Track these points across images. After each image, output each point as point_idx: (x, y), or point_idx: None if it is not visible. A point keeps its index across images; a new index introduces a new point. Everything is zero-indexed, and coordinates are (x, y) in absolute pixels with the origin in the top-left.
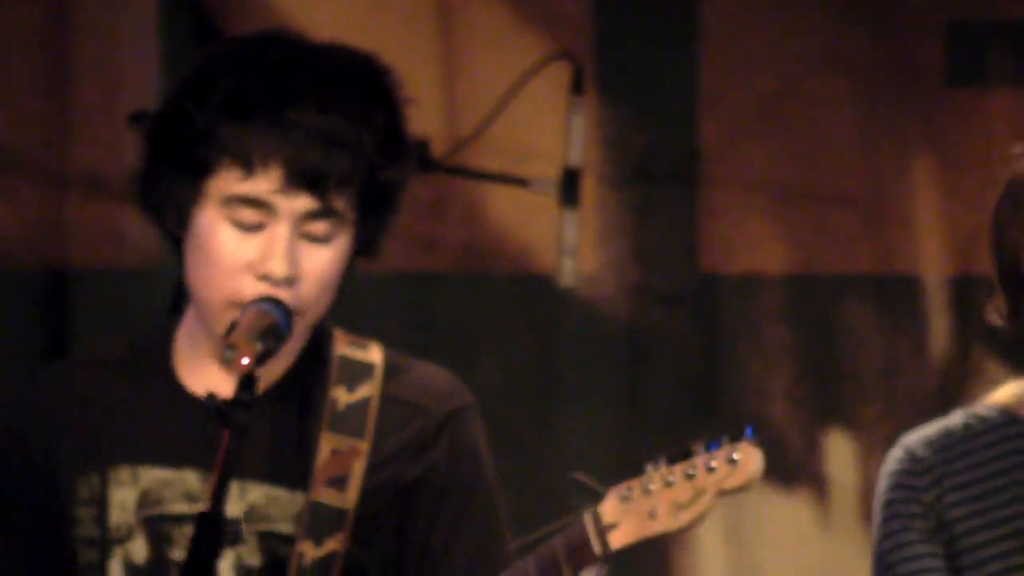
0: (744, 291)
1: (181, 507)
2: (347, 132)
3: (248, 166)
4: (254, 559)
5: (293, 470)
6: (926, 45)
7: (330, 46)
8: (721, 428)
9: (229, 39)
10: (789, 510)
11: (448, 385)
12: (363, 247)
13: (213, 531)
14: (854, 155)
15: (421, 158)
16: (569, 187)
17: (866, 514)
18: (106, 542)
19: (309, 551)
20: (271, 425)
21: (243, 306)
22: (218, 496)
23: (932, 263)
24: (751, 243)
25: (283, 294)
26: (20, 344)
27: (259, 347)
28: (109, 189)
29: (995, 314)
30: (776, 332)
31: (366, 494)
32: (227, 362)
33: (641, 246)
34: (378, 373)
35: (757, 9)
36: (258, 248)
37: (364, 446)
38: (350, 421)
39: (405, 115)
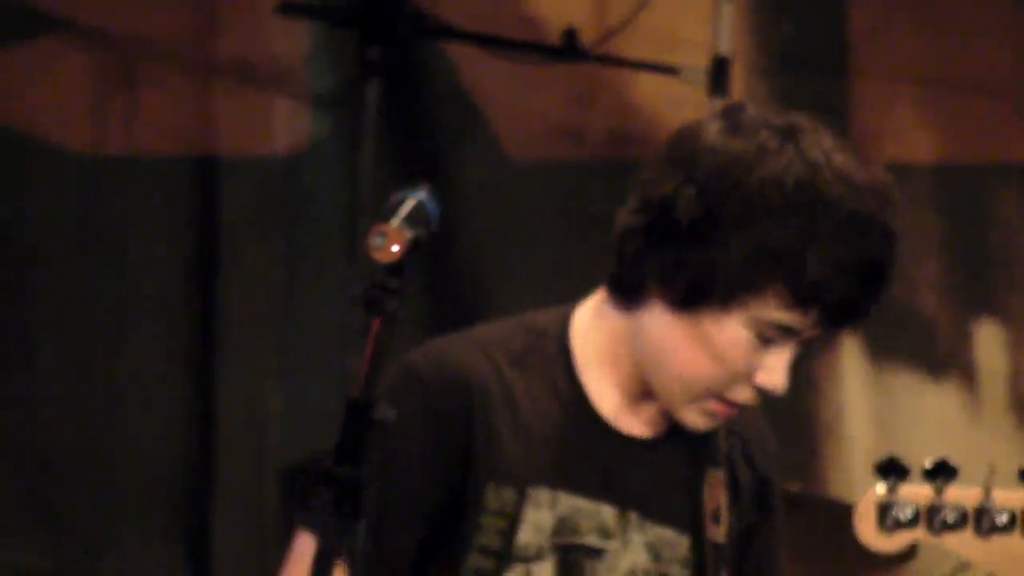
0: (895, 182)
1: (595, 540)
2: (889, 278)
3: (803, 304)
4: None
5: (684, 511)
6: None
7: (862, 169)
8: (880, 327)
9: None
10: (938, 399)
11: (761, 419)
12: None
13: (362, 417)
14: (1005, 42)
15: (570, 47)
16: (718, 76)
17: (1015, 403)
18: (507, 556)
19: None
20: (670, 463)
21: (394, 193)
22: (369, 383)
23: None
24: (900, 132)
25: (757, 400)
26: (168, 232)
27: (410, 236)
28: (256, 78)
29: None
30: (926, 221)
31: (731, 529)
32: (377, 248)
33: None
34: None
35: None
36: (763, 361)
37: (722, 475)
38: (712, 453)
39: None
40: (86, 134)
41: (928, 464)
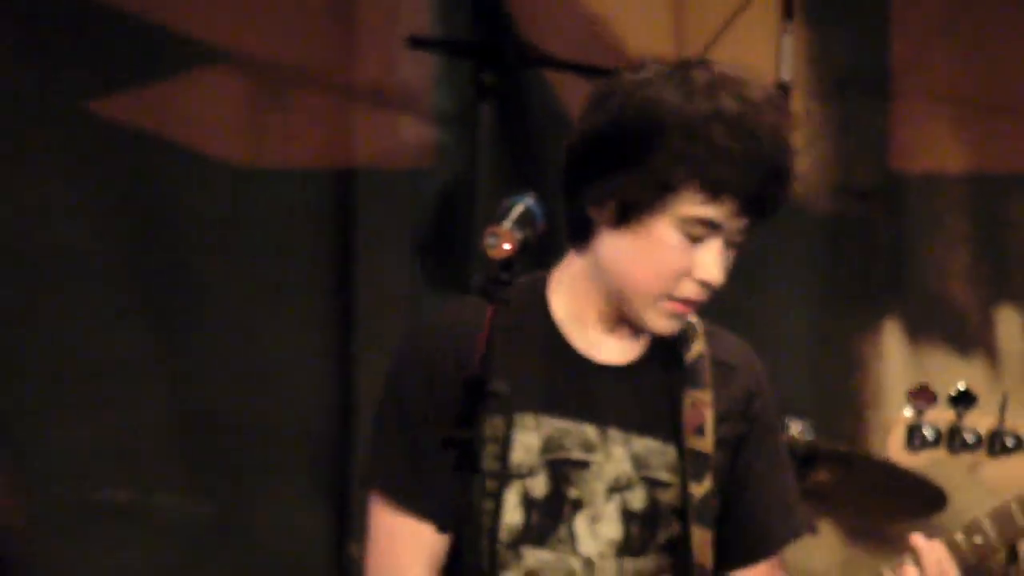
0: (928, 188)
1: (580, 454)
2: (787, 169)
3: (715, 196)
4: (638, 502)
5: (665, 424)
6: None
7: (754, 87)
8: (907, 305)
9: (682, 66)
10: (966, 375)
11: (750, 350)
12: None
13: (480, 392)
14: None
15: None
16: None
17: None
18: (505, 476)
19: (696, 491)
20: (651, 382)
21: (505, 199)
22: (485, 360)
23: None
24: (934, 146)
25: (703, 294)
26: (315, 231)
27: (519, 236)
28: (389, 101)
29: None
30: (955, 222)
31: (717, 443)
32: (490, 247)
33: (840, 149)
34: (701, 334)
35: None
36: (697, 258)
37: (708, 395)
38: (696, 376)
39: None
40: (245, 149)
41: (952, 392)
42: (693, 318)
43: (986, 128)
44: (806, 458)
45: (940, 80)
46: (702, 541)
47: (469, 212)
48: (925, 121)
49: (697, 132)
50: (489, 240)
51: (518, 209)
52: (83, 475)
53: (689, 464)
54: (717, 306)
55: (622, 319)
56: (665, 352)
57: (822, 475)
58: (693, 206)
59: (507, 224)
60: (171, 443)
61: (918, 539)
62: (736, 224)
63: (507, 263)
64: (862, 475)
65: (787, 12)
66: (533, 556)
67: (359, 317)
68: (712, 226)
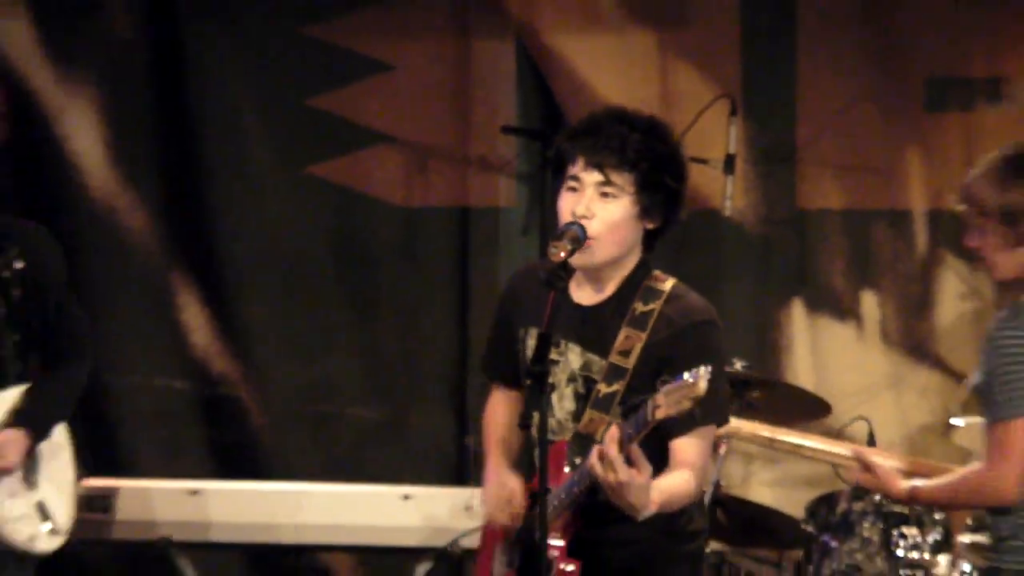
0: (820, 219)
1: (555, 356)
2: (620, 143)
3: (574, 159)
4: (581, 390)
5: (603, 346)
6: (912, 87)
7: (643, 116)
8: (807, 290)
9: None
10: (843, 334)
11: (700, 307)
12: (643, 212)
13: (547, 343)
14: (879, 145)
15: None
16: (729, 164)
17: (884, 335)
18: (523, 366)
19: (603, 388)
20: (600, 319)
21: (561, 225)
22: (550, 325)
23: (918, 203)
24: (825, 194)
25: (586, 225)
26: (444, 248)
27: (569, 247)
28: (489, 165)
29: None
30: (837, 240)
31: (639, 364)
32: (552, 254)
33: (765, 194)
34: (663, 297)
35: (835, 70)
36: (576, 201)
37: (643, 336)
38: (639, 321)
39: (667, 141)
40: (401, 196)
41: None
42: (667, 286)
43: (857, 181)
44: (744, 383)
45: (828, 151)
46: (591, 419)
47: (541, 234)
48: (818, 177)
49: (571, 130)
50: (551, 250)
51: (569, 231)
52: (301, 396)
53: (608, 372)
54: (696, 289)
55: (586, 272)
56: (623, 301)
57: (755, 394)
58: (568, 171)
59: (562, 239)
60: (358, 375)
61: (614, 424)
62: (592, 177)
63: (562, 265)
64: (778, 394)
65: (733, 111)
66: (535, 416)
67: (472, 298)
68: (575, 179)
